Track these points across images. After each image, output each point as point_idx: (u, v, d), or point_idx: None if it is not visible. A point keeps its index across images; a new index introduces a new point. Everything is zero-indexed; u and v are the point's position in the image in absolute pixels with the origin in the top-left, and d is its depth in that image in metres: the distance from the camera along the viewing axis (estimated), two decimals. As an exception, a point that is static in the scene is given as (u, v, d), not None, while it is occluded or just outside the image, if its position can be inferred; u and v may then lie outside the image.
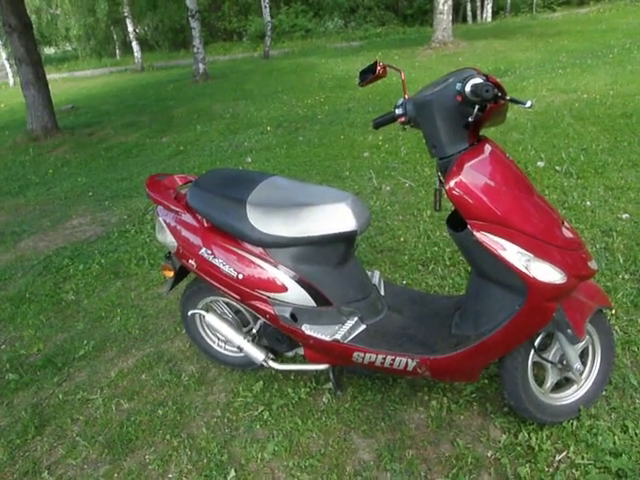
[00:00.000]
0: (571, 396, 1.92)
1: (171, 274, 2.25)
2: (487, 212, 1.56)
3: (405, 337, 1.92)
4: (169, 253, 2.25)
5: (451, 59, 11.07)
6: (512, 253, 1.57)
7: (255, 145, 6.55)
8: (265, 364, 2.14)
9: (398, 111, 1.74)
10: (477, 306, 1.78)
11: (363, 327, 1.96)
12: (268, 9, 17.15)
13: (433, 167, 4.68)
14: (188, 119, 8.75)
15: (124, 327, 2.95)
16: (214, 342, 2.44)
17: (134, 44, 19.70)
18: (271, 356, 2.16)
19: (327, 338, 1.88)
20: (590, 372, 1.93)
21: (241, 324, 2.30)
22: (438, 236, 3.43)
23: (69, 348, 2.82)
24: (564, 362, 1.85)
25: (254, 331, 2.19)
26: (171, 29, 25.17)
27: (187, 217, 2.07)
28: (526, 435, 1.88)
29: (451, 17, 12.84)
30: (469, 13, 23.60)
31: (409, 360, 1.82)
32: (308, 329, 1.91)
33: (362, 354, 1.87)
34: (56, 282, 3.60)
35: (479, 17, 23.52)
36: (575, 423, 1.90)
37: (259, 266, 1.92)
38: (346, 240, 1.92)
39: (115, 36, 25.91)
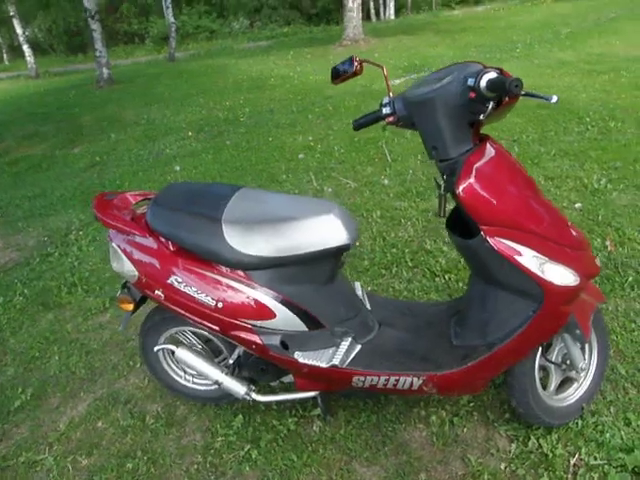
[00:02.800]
0: (573, 395, 1.88)
1: (130, 307, 1.95)
2: (501, 216, 1.45)
3: (404, 354, 1.78)
4: (126, 283, 1.96)
5: (366, 56, 11.09)
6: (528, 258, 1.47)
7: (178, 152, 6.18)
8: (248, 397, 1.91)
9: (386, 110, 1.60)
10: (483, 314, 1.68)
11: (359, 347, 1.79)
12: (170, 9, 16.40)
13: (373, 166, 4.60)
14: (99, 127, 8.13)
15: (65, 367, 2.59)
16: (180, 376, 2.18)
17: (25, 48, 18.09)
18: (253, 388, 1.94)
19: (324, 364, 1.70)
20: (589, 368, 1.90)
21: (212, 354, 2.06)
22: (394, 237, 3.34)
23: (1, 400, 2.43)
24: (567, 362, 1.80)
25: (231, 362, 1.96)
26: (66, 31, 23.52)
27: (148, 241, 1.79)
28: (535, 442, 1.81)
29: (361, 15, 12.99)
30: (372, 11, 24.10)
31: (414, 379, 1.68)
32: (301, 356, 1.72)
33: (362, 378, 1.71)
34: (-28, 321, 3.13)
35: (382, 15, 24.11)
36: (580, 422, 1.85)
37: (241, 291, 1.70)
38: (336, 255, 1.74)
39: (1, 39, 23.83)
